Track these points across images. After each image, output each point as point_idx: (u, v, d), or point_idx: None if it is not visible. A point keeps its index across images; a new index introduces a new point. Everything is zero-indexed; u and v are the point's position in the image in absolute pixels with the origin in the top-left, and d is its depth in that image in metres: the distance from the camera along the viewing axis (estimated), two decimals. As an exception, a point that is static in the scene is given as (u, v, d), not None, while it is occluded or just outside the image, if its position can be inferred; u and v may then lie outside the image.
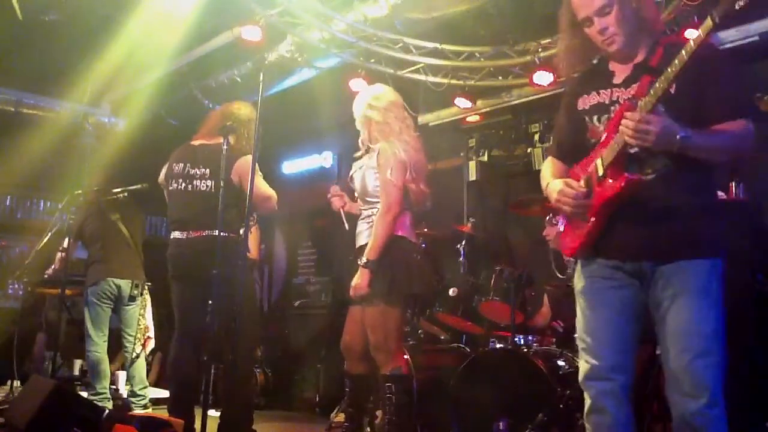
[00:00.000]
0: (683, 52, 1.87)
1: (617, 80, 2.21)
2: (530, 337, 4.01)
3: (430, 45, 5.58)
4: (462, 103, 5.80)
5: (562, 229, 2.35)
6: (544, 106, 5.89)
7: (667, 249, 2.05)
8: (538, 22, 5.12)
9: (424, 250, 4.64)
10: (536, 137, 5.94)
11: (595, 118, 2.22)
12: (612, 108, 2.16)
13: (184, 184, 3.83)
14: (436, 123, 6.43)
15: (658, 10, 2.24)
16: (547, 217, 4.53)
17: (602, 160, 2.10)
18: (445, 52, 5.61)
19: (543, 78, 5.14)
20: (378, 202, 3.32)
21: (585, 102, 2.26)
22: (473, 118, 6.36)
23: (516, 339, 3.93)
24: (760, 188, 3.71)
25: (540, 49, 5.22)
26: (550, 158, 2.43)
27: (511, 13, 5.01)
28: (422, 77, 5.73)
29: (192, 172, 3.83)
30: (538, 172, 6.35)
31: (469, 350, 4.48)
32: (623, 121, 1.98)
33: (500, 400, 3.60)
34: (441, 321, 4.72)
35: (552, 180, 2.30)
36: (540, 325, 4.55)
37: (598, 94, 2.23)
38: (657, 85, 1.93)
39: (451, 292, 4.39)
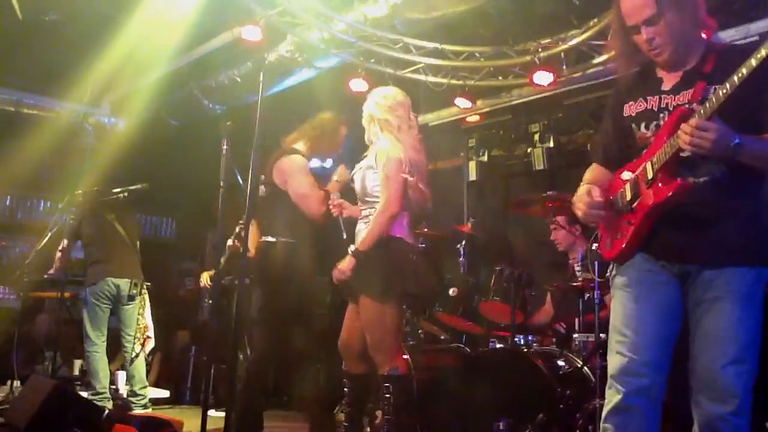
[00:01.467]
0: (752, 59, 1.84)
1: (666, 87, 2.18)
2: (530, 337, 4.02)
3: (430, 45, 5.58)
4: (462, 103, 5.80)
5: (599, 233, 2.32)
6: (544, 106, 5.90)
7: (716, 254, 2.03)
8: (538, 22, 5.12)
9: (424, 250, 4.64)
10: (536, 137, 5.94)
11: (642, 124, 2.19)
12: (661, 115, 2.14)
13: (260, 189, 3.93)
14: (436, 123, 6.43)
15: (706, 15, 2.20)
16: (548, 219, 4.52)
17: (652, 163, 2.08)
18: (445, 52, 5.60)
19: (543, 78, 5.14)
20: (377, 202, 3.33)
21: (631, 108, 2.24)
22: (473, 118, 6.36)
23: (516, 339, 3.94)
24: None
25: (540, 49, 5.22)
26: (593, 165, 2.40)
27: (511, 13, 5.01)
28: (422, 77, 5.73)
29: (262, 178, 3.92)
30: (538, 172, 6.40)
31: (469, 350, 4.48)
32: (682, 126, 1.95)
33: (500, 400, 3.60)
34: (441, 321, 4.72)
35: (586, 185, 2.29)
36: (541, 322, 4.55)
37: (646, 101, 2.20)
38: (720, 92, 1.90)
39: (451, 292, 4.39)
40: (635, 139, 2.22)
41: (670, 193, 2.03)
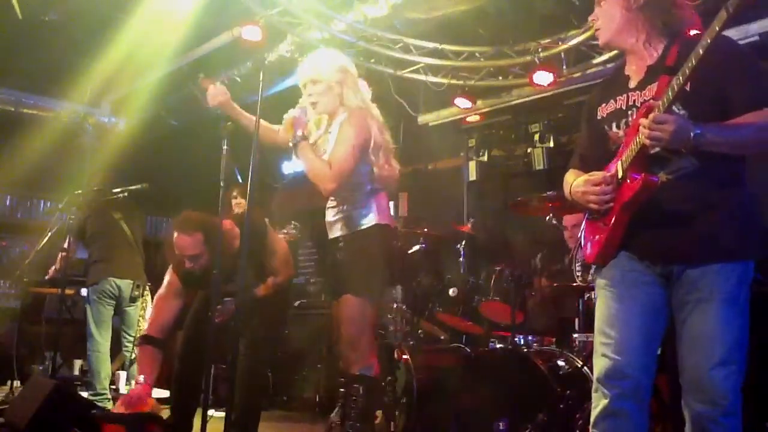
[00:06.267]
0: (699, 47, 1.84)
1: (632, 84, 2.19)
2: (530, 337, 4.01)
3: (430, 45, 5.58)
4: (462, 103, 5.80)
5: (582, 235, 2.30)
6: (544, 106, 5.91)
7: (697, 253, 2.01)
8: (538, 22, 5.12)
9: (423, 250, 4.63)
10: (536, 137, 5.94)
11: (613, 124, 2.20)
12: (629, 112, 2.14)
13: None
14: (436, 123, 6.43)
15: (685, 12, 2.20)
16: (548, 218, 4.49)
17: (622, 162, 2.07)
18: (445, 52, 5.61)
19: (543, 78, 5.14)
20: (351, 190, 3.04)
21: (603, 110, 2.25)
22: (473, 118, 6.37)
23: (516, 339, 3.93)
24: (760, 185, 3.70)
25: (540, 49, 5.22)
26: (570, 170, 2.36)
27: (511, 13, 5.01)
28: (422, 77, 5.73)
29: None
30: (538, 172, 6.37)
31: (469, 350, 4.48)
32: (640, 121, 1.96)
33: (500, 400, 3.60)
34: (441, 321, 4.71)
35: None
36: None
37: (615, 101, 2.21)
38: (673, 83, 1.90)
39: (451, 292, 4.38)
40: (609, 140, 2.22)
41: (635, 191, 2.01)
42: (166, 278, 3.84)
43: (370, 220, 3.06)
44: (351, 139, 2.95)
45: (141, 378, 3.67)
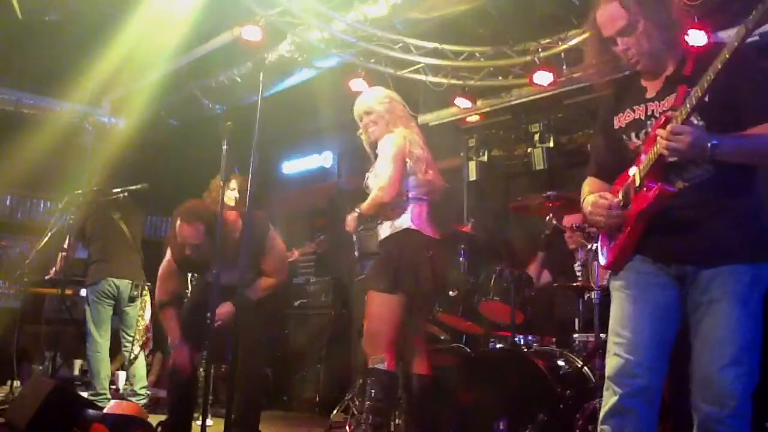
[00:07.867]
0: (717, 61, 1.87)
1: (650, 95, 2.21)
2: (530, 337, 4.02)
3: (430, 45, 5.58)
4: (462, 103, 5.80)
5: (598, 242, 2.34)
6: (544, 106, 5.90)
7: (710, 254, 2.04)
8: (538, 22, 5.12)
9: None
10: (536, 137, 5.94)
11: (633, 134, 2.22)
12: (648, 123, 2.17)
13: None
14: (436, 123, 6.43)
15: (682, 18, 2.22)
16: (547, 218, 4.50)
17: (639, 171, 2.11)
18: (445, 52, 5.61)
19: (543, 78, 5.14)
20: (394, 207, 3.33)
21: (621, 120, 2.27)
22: (473, 118, 6.36)
23: (516, 339, 3.93)
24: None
25: (540, 49, 5.22)
26: (589, 178, 2.42)
27: (511, 13, 5.01)
28: (422, 77, 5.73)
29: None
30: (538, 172, 6.37)
31: (469, 350, 4.48)
32: (658, 131, 1.99)
33: (500, 400, 3.59)
34: (441, 321, 4.71)
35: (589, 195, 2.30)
36: None
37: (633, 111, 2.24)
38: (692, 95, 1.93)
39: (451, 292, 4.38)
40: (628, 149, 2.24)
41: (652, 200, 2.05)
42: (168, 254, 3.91)
43: (403, 223, 3.33)
44: (388, 153, 3.32)
45: (176, 341, 3.76)
